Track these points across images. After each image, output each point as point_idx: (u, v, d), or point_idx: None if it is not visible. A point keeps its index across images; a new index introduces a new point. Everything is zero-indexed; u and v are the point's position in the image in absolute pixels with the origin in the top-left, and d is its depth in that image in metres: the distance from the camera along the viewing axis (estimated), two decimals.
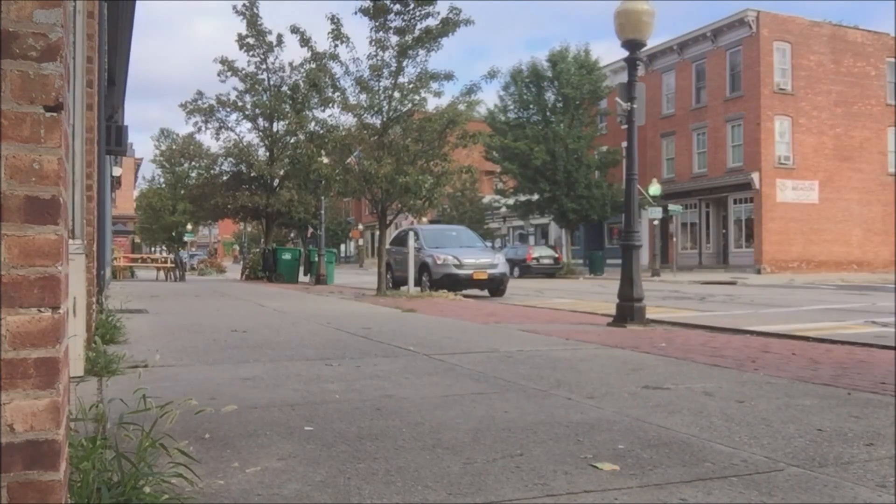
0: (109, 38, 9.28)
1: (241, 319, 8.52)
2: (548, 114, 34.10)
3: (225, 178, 28.24)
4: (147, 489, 2.00)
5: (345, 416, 3.28)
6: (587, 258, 33.65)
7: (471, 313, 9.66)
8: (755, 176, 32.23)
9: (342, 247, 69.37)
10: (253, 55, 25.74)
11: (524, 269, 29.70)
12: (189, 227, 53.51)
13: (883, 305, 12.15)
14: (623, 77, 9.74)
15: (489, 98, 53.92)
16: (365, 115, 15.23)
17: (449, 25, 14.39)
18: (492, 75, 15.81)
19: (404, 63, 14.80)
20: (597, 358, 5.33)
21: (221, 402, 3.30)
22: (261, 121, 26.76)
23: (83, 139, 5.49)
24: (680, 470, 2.48)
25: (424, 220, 26.02)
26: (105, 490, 1.91)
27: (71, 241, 3.55)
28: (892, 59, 34.77)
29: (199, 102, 26.73)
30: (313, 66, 17.17)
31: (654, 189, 29.75)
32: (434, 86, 14.99)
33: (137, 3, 9.79)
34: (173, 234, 56.05)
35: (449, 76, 14.97)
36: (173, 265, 28.48)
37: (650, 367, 4.89)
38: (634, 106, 8.32)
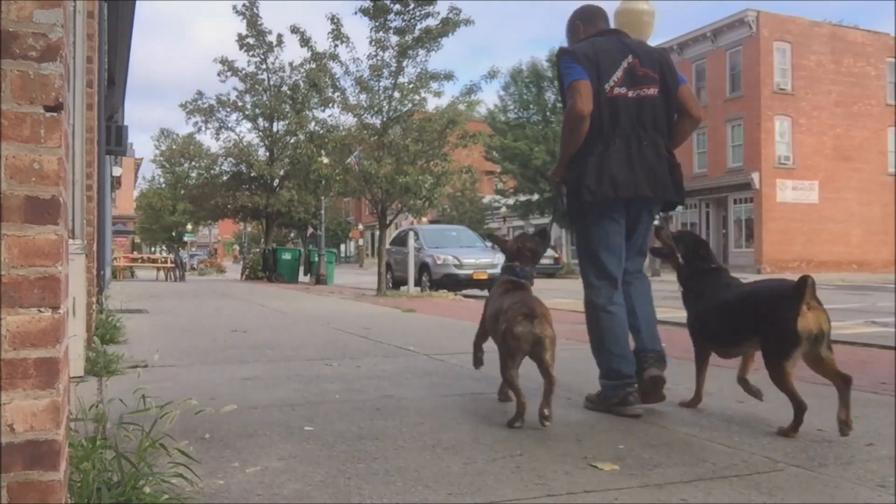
0: (109, 38, 9.28)
1: (241, 319, 8.51)
2: (548, 114, 34.11)
3: (225, 178, 28.28)
4: (147, 489, 1.99)
5: (345, 416, 3.28)
6: None
7: (471, 313, 9.65)
8: (755, 176, 32.23)
9: (342, 247, 69.36)
10: (253, 55, 25.79)
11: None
12: (189, 227, 53.50)
13: (883, 305, 12.14)
14: None
15: (489, 98, 53.96)
16: (365, 115, 15.23)
17: (449, 25, 14.40)
18: (492, 75, 15.83)
19: (404, 63, 14.81)
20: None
21: (221, 402, 3.29)
22: (261, 121, 26.79)
23: (83, 139, 5.49)
24: (680, 470, 2.48)
25: (424, 220, 26.05)
26: (105, 490, 1.91)
27: (71, 241, 3.55)
28: (892, 59, 34.77)
29: (199, 102, 26.79)
30: (313, 66, 17.19)
31: None
32: (434, 86, 15.02)
33: (137, 3, 9.80)
34: (173, 234, 56.03)
35: (449, 76, 14.98)
36: (173, 265, 28.46)
37: None
38: None
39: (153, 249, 61.72)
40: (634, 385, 3.33)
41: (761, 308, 3.02)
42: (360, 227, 64.19)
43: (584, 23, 3.66)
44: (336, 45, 15.04)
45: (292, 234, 49.26)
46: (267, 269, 24.64)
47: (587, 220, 3.49)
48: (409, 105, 15.11)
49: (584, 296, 3.60)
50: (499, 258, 17.19)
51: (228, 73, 25.93)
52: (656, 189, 3.40)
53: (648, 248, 3.64)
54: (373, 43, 14.83)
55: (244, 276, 27.64)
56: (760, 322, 3.01)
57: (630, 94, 3.38)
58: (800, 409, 2.93)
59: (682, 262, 3.53)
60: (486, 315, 3.55)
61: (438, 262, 16.09)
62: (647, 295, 3.58)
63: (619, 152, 3.33)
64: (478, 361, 3.78)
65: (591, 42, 3.49)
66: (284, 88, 26.11)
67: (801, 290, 2.87)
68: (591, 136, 3.35)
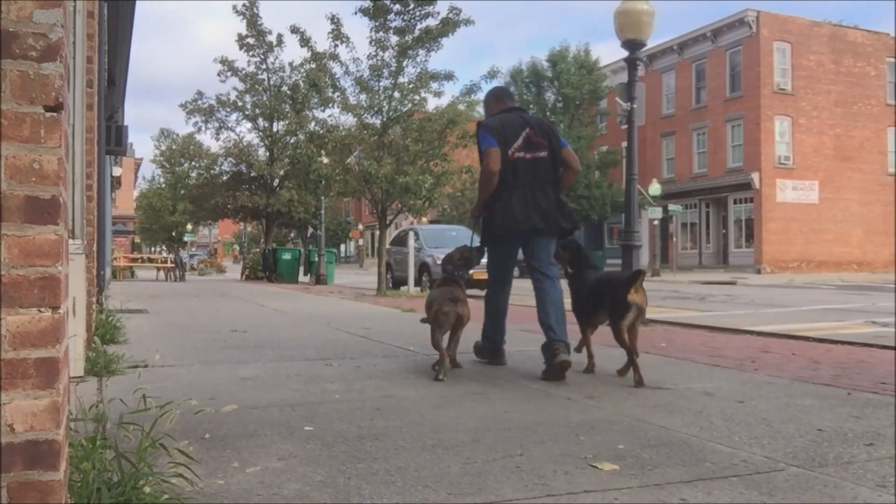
0: (109, 38, 9.28)
1: (241, 319, 8.51)
2: (548, 114, 34.12)
3: (225, 178, 28.25)
4: (147, 489, 1.99)
5: (345, 416, 3.28)
6: None
7: (470, 313, 9.64)
8: (755, 176, 32.23)
9: (342, 247, 69.37)
10: (253, 55, 25.75)
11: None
12: (189, 227, 53.51)
13: (883, 305, 12.15)
14: (623, 77, 9.74)
15: None
16: (365, 115, 15.23)
17: (449, 25, 14.40)
18: (492, 75, 15.83)
19: (404, 63, 14.81)
20: (596, 357, 5.32)
21: (221, 402, 3.30)
22: (261, 121, 26.76)
23: (83, 139, 5.49)
24: (680, 470, 2.48)
25: (424, 220, 26.04)
26: (105, 490, 1.91)
27: (71, 241, 3.55)
28: (892, 59, 34.77)
29: (199, 102, 26.75)
30: (313, 66, 17.19)
31: (654, 189, 29.76)
32: (434, 86, 15.02)
33: (137, 3, 9.80)
34: (173, 234, 56.04)
35: (449, 76, 14.98)
36: (173, 265, 28.47)
37: (650, 367, 4.89)
38: (634, 106, 8.32)
39: (153, 249, 61.72)
40: (503, 347, 5.11)
41: (609, 289, 4.39)
42: (360, 227, 64.19)
43: (496, 101, 5.06)
44: (336, 45, 15.05)
45: (292, 234, 49.26)
46: (267, 269, 24.64)
47: (493, 243, 4.97)
48: (409, 105, 15.11)
49: (489, 289, 5.24)
50: None
51: (228, 73, 25.91)
52: (546, 222, 4.66)
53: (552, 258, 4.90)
54: (373, 43, 14.83)
55: (244, 276, 27.63)
56: (607, 298, 4.36)
57: (527, 156, 4.66)
58: (631, 357, 4.21)
59: (568, 262, 4.87)
60: (426, 301, 4.92)
61: (438, 262, 16.05)
62: (557, 296, 4.68)
63: (519, 198, 4.61)
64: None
65: (500, 118, 4.79)
66: (284, 88, 26.08)
67: (634, 278, 4.22)
68: (500, 186, 4.63)
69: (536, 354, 5.43)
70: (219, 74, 25.97)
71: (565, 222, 4.75)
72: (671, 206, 30.31)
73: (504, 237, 4.78)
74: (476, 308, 6.62)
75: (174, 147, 42.68)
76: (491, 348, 5.11)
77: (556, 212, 4.70)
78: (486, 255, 5.14)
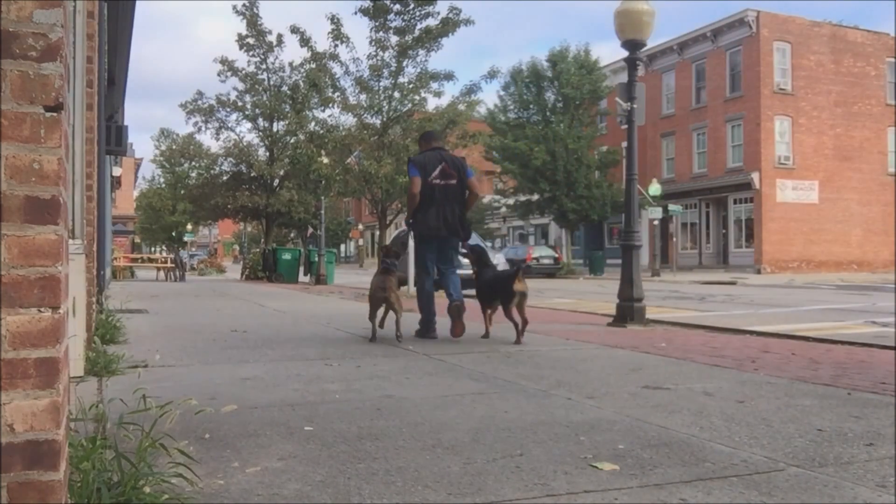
0: (109, 38, 9.28)
1: (241, 319, 8.52)
2: (548, 114, 34.09)
3: (225, 178, 28.28)
4: (147, 489, 2.00)
5: (345, 416, 3.28)
6: (587, 258, 33.64)
7: (470, 313, 9.64)
8: (755, 176, 32.22)
9: (342, 247, 69.37)
10: (253, 55, 25.77)
11: (524, 269, 29.53)
12: (189, 227, 53.53)
13: (883, 305, 12.15)
14: (623, 77, 9.74)
15: (489, 98, 53.91)
16: (365, 115, 15.26)
17: (449, 25, 14.44)
18: (492, 75, 15.87)
19: (404, 63, 14.84)
20: (597, 358, 5.32)
21: (221, 402, 3.30)
22: (261, 121, 26.79)
23: (83, 139, 5.49)
24: (680, 470, 2.48)
25: None
26: (105, 490, 1.91)
27: (71, 241, 3.55)
28: (892, 59, 34.75)
29: (200, 102, 26.78)
30: (313, 66, 17.20)
31: (654, 189, 29.75)
32: (434, 86, 15.08)
33: (138, 3, 9.79)
34: (173, 234, 56.07)
35: (449, 76, 15.04)
36: (173, 265, 28.46)
37: (650, 367, 4.89)
38: (634, 106, 8.31)
39: (153, 249, 61.72)
40: (435, 326, 6.51)
41: (501, 282, 6.29)
42: (360, 227, 64.19)
43: (426, 142, 6.89)
44: (336, 45, 15.10)
45: (292, 234, 49.28)
46: (267, 269, 24.61)
47: (418, 244, 6.68)
48: (409, 105, 15.15)
49: (416, 279, 6.90)
50: (498, 258, 17.26)
51: (228, 73, 25.92)
52: (451, 232, 6.54)
53: (455, 257, 6.80)
54: (373, 43, 14.90)
55: (244, 276, 27.62)
56: (501, 288, 6.19)
57: (441, 182, 6.45)
58: (521, 328, 6.04)
59: (474, 262, 6.62)
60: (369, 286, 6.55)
61: None
62: (456, 280, 6.60)
63: (433, 213, 6.44)
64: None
65: (424, 154, 6.63)
66: (284, 88, 26.08)
67: (516, 273, 6.13)
68: (422, 203, 6.44)
69: (536, 354, 5.45)
70: (219, 74, 26.01)
71: (462, 231, 6.64)
72: (671, 206, 30.29)
73: (425, 239, 6.56)
74: (475, 308, 6.68)
75: (174, 147, 42.65)
76: (425, 326, 6.52)
77: (458, 224, 6.53)
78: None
